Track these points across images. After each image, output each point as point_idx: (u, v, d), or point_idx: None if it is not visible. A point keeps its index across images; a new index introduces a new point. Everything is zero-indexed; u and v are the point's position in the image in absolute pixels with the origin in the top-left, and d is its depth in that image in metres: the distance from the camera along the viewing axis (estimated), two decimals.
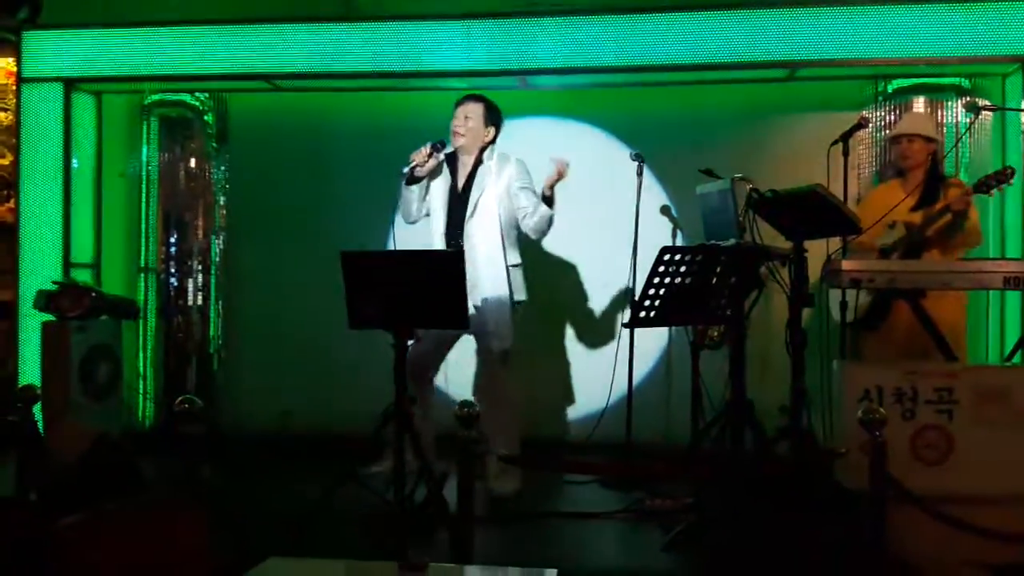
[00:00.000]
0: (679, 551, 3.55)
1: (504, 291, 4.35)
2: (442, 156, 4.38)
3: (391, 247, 5.70)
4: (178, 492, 3.06)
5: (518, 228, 4.47)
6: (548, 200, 4.33)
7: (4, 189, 6.30)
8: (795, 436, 3.99)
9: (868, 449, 3.00)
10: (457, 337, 4.50)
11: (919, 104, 5.34)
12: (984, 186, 4.06)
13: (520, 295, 4.43)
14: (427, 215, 4.50)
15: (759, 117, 5.71)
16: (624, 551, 3.77)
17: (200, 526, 2.35)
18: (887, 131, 5.37)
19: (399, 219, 4.59)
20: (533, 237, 4.48)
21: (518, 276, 4.44)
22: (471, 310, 4.22)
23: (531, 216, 4.35)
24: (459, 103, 4.48)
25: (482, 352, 4.45)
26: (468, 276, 3.97)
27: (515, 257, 4.46)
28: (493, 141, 4.48)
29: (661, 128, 5.66)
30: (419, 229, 4.57)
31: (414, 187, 4.38)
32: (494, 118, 4.49)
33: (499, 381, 4.40)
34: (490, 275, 4.34)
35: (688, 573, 3.40)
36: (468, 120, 4.42)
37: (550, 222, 4.37)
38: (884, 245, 4.35)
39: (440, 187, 4.46)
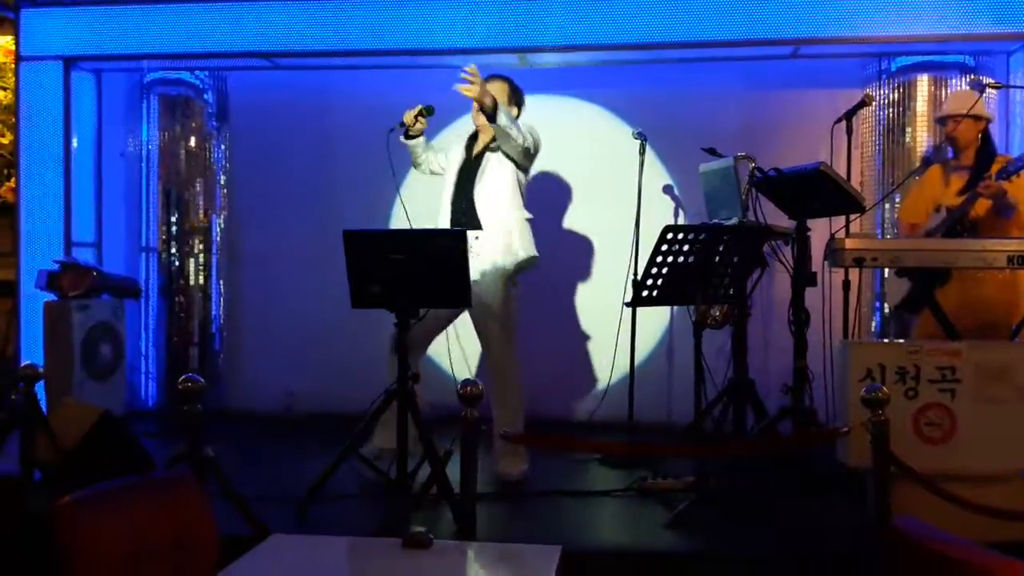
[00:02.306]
0: (682, 529, 3.56)
1: (503, 262, 4.28)
2: (426, 121, 4.35)
3: (393, 225, 5.71)
4: (182, 470, 3.06)
5: (523, 185, 4.42)
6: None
7: (5, 169, 6.28)
8: (797, 415, 4.00)
9: (870, 428, 3.00)
10: (450, 320, 4.45)
11: (923, 82, 5.31)
12: (1004, 173, 3.99)
13: (528, 251, 4.34)
14: (436, 173, 4.52)
15: (762, 95, 5.69)
16: (627, 529, 3.78)
17: (204, 504, 2.35)
18: (890, 109, 5.35)
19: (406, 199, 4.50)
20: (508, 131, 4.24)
21: (527, 232, 4.37)
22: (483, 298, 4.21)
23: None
24: (488, 80, 4.33)
25: (482, 330, 4.38)
26: (472, 243, 4.01)
27: (521, 212, 4.38)
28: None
29: (663, 106, 5.64)
30: (421, 202, 4.55)
31: (412, 141, 4.40)
32: (518, 98, 4.49)
33: (504, 360, 4.34)
34: (492, 238, 4.27)
35: (691, 551, 3.40)
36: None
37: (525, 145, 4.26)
38: (929, 230, 4.28)
39: (455, 158, 4.46)
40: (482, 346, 4.43)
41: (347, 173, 5.90)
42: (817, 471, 3.91)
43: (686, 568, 3.33)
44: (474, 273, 4.12)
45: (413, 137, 4.41)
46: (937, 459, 3.38)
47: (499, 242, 4.28)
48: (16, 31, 5.73)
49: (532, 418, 4.60)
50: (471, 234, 4.14)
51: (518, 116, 4.43)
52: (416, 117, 4.31)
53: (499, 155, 4.33)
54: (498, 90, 4.35)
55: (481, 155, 4.39)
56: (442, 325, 4.42)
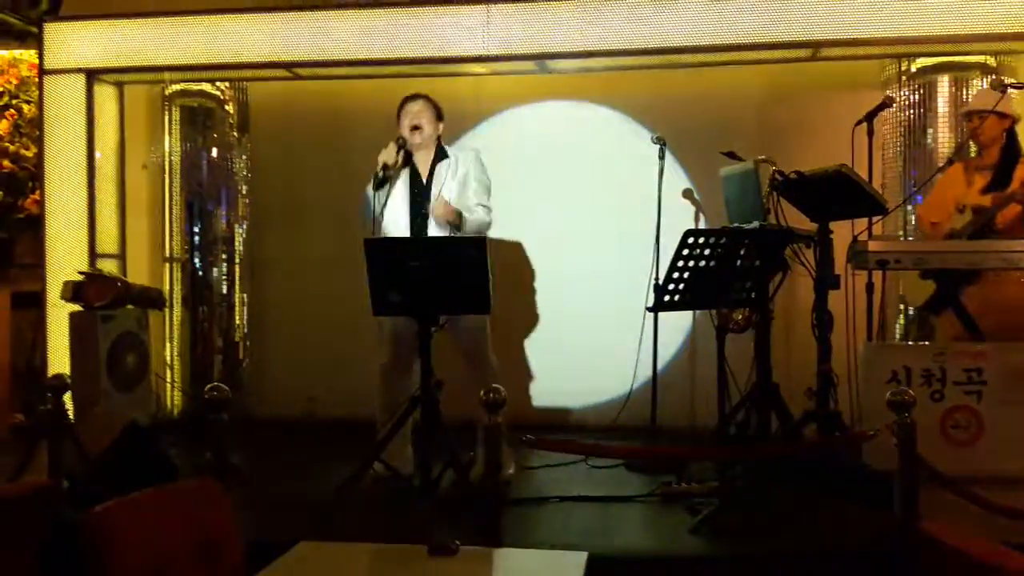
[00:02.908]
0: (707, 534, 3.54)
1: None
2: (403, 153, 4.37)
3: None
4: (207, 479, 3.08)
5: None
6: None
7: (29, 181, 6.34)
8: (822, 418, 3.98)
9: (897, 431, 2.98)
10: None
11: (944, 82, 5.27)
12: None
13: None
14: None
15: (781, 97, 5.66)
16: (652, 534, 3.77)
17: (229, 512, 2.37)
18: (911, 110, 5.32)
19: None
20: (468, 229, 4.35)
21: None
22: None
23: (473, 213, 4.33)
24: (408, 101, 4.47)
25: (463, 342, 4.38)
26: None
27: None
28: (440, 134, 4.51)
29: (682, 110, 5.63)
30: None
31: (382, 190, 4.36)
32: (440, 113, 4.52)
33: (489, 368, 4.36)
34: None
35: (716, 556, 3.39)
36: (421, 116, 4.41)
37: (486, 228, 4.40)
38: (952, 230, 4.24)
39: (401, 184, 4.43)
40: (464, 356, 4.42)
41: (367, 181, 5.90)
42: (842, 475, 3.89)
43: (712, 573, 3.32)
44: None
45: (387, 183, 4.34)
46: (964, 461, 3.37)
47: None
48: (39, 45, 5.78)
49: (555, 423, 4.61)
50: None
51: (440, 131, 4.48)
52: (398, 152, 4.31)
53: (448, 186, 4.37)
54: (422, 109, 4.42)
55: (431, 173, 4.42)
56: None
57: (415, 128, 4.37)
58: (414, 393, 3.81)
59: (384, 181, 4.32)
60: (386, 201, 4.35)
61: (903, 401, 2.98)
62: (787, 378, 4.22)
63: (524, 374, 5.81)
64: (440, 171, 4.41)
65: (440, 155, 4.45)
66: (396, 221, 4.39)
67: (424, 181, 4.42)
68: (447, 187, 4.36)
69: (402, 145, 4.33)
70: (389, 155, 4.30)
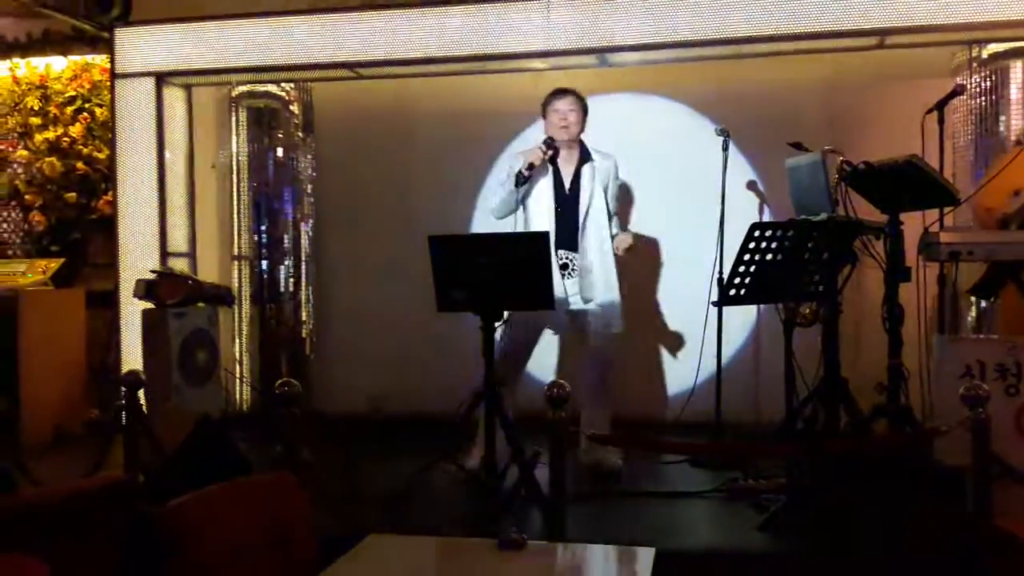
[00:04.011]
0: (775, 530, 3.51)
1: (614, 281, 4.48)
2: (551, 153, 4.39)
3: (475, 230, 5.76)
4: (282, 472, 3.14)
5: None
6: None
7: (102, 182, 6.51)
8: (893, 413, 3.91)
9: (971, 426, 2.92)
10: (543, 329, 4.55)
11: (1017, 68, 5.13)
12: None
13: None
14: (520, 209, 4.50)
15: (848, 87, 5.56)
16: (719, 530, 3.74)
17: (304, 505, 2.41)
18: (982, 98, 5.19)
19: (485, 205, 4.59)
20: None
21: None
22: (590, 305, 4.35)
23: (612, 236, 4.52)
24: (556, 97, 4.47)
25: (596, 340, 4.48)
26: (583, 273, 4.28)
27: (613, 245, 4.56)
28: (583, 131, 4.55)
29: (746, 101, 5.55)
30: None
31: (521, 187, 4.38)
32: (586, 110, 4.54)
33: (608, 370, 4.49)
34: (602, 268, 4.46)
35: (784, 553, 3.36)
36: (571, 114, 4.44)
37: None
38: (1004, 214, 4.13)
39: (544, 184, 4.46)
40: (587, 351, 4.52)
41: (431, 178, 5.97)
42: (913, 471, 3.82)
43: (781, 569, 3.29)
44: (599, 294, 4.36)
45: (527, 181, 4.37)
46: None
47: (608, 266, 4.47)
48: (111, 50, 5.93)
49: (620, 418, 4.60)
50: (572, 255, 4.40)
51: (583, 126, 4.52)
52: (544, 154, 4.35)
53: (594, 184, 4.45)
54: (572, 107, 4.45)
55: (575, 177, 4.45)
56: (538, 335, 4.56)
57: (563, 127, 4.42)
58: (476, 388, 3.84)
59: (526, 180, 4.35)
60: (523, 200, 4.41)
61: (977, 396, 2.93)
62: (856, 373, 4.15)
63: None
64: (584, 177, 4.46)
65: (584, 157, 4.50)
66: (537, 222, 4.42)
67: (568, 186, 4.46)
68: (595, 199, 4.45)
69: (551, 145, 4.36)
70: (536, 156, 4.33)
